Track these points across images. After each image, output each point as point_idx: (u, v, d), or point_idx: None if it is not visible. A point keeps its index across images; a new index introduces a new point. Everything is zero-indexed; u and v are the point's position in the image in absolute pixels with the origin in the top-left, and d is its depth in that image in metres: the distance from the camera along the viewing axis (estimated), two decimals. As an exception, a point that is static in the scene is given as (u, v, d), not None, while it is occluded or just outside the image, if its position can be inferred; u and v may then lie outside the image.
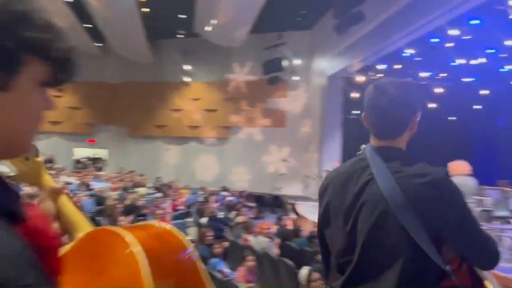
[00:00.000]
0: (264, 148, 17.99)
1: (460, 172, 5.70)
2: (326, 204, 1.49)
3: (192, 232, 9.42)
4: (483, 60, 13.41)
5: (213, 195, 13.29)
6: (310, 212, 11.73)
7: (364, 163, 1.43)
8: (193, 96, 18.67)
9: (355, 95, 16.31)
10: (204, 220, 8.51)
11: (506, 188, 9.78)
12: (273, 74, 15.93)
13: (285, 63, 15.47)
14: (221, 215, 9.30)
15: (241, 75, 18.24)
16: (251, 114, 18.10)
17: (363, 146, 1.60)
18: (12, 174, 1.17)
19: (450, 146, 15.16)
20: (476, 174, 5.58)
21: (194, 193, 14.65)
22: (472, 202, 5.90)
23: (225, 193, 14.24)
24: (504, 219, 7.58)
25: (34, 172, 1.21)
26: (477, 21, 11.17)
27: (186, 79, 18.44)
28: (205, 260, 5.24)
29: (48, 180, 1.23)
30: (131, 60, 17.84)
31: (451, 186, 1.33)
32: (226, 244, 6.04)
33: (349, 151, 16.92)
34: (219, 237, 6.89)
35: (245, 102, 18.13)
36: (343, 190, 1.42)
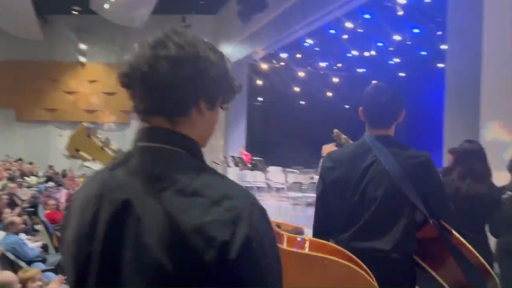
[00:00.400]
0: (169, 134, 17.57)
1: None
2: (334, 178, 1.88)
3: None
4: (374, 52, 14.52)
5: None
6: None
7: (366, 147, 1.85)
8: (90, 78, 17.45)
9: (259, 82, 16.64)
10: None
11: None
12: (177, 58, 15.52)
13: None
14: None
15: (142, 57, 17.47)
16: (153, 98, 17.49)
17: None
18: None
19: (345, 131, 16.25)
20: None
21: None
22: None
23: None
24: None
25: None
26: (368, 16, 12.01)
27: (82, 59, 17.14)
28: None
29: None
30: (19, 38, 16.03)
31: (433, 165, 1.88)
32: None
33: (253, 137, 17.31)
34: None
35: (147, 86, 17.44)
36: (353, 168, 1.83)
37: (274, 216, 6.65)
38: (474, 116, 5.91)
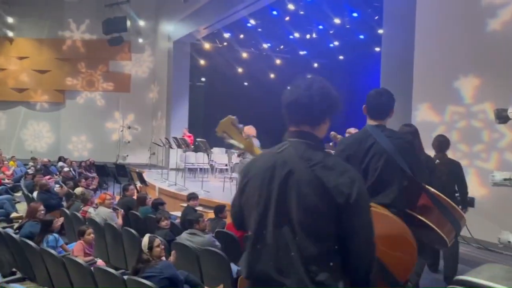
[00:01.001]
0: (107, 115, 16.89)
1: (250, 133, 7.70)
2: (346, 156, 2.54)
3: (22, 208, 8.42)
4: (315, 35, 14.76)
5: (47, 166, 12.04)
6: (157, 180, 11.60)
7: (367, 134, 2.56)
8: (19, 54, 16.25)
9: (202, 62, 16.38)
10: (35, 194, 7.65)
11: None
12: (115, 34, 14.83)
13: (128, 23, 14.54)
14: (56, 188, 8.48)
15: (78, 33, 16.52)
16: (90, 77, 16.67)
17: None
18: (241, 147, 2.28)
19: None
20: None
21: (24, 165, 13.09)
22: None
23: (61, 163, 13.01)
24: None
25: (250, 145, 2.30)
26: (310, -2, 12.14)
27: (9, 34, 15.88)
28: (39, 237, 4.73)
29: (256, 151, 2.26)
30: None
31: (413, 143, 2.74)
32: (61, 218, 5.53)
33: (196, 118, 17.10)
34: (53, 211, 6.29)
35: (83, 64, 16.57)
36: (358, 148, 2.55)
37: (218, 197, 6.71)
38: (407, 98, 6.26)
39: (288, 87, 1.74)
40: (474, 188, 5.26)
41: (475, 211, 5.19)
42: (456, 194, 4.17)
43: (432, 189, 2.51)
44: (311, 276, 1.50)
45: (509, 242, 3.89)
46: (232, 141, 2.29)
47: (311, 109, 1.61)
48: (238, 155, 8.32)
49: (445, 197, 2.53)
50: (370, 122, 2.61)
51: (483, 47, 5.33)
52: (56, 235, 4.88)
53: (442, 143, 4.26)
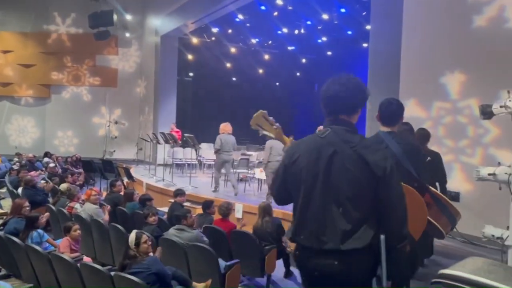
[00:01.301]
0: (94, 109, 16.70)
1: (226, 130, 8.45)
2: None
3: (7, 204, 8.29)
4: (303, 30, 14.78)
5: (32, 162, 11.88)
6: (145, 175, 11.52)
7: (380, 139, 2.77)
8: (3, 48, 15.94)
9: (190, 57, 16.28)
10: (20, 190, 7.55)
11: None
12: (102, 28, 14.64)
13: (115, 17, 14.35)
14: (42, 183, 8.37)
15: (63, 27, 16.27)
16: (77, 71, 16.45)
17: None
18: (272, 136, 2.62)
19: (276, 107, 16.56)
20: (296, 132, 6.20)
21: (8, 161, 12.90)
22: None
23: (47, 159, 12.84)
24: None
25: (280, 133, 2.61)
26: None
27: (-7, 27, 15.59)
28: (24, 233, 4.67)
29: (285, 138, 2.60)
30: None
31: (418, 146, 3.10)
32: (47, 214, 5.47)
33: (184, 114, 17.01)
34: (39, 207, 6.22)
35: (69, 58, 16.33)
36: None
37: (206, 193, 6.67)
38: (394, 94, 6.30)
39: (326, 84, 2.08)
40: (459, 183, 5.33)
41: (460, 206, 5.24)
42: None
43: (433, 189, 2.81)
44: (348, 241, 1.84)
45: (493, 236, 3.95)
46: (265, 132, 2.64)
47: (348, 101, 2.01)
48: (215, 152, 8.50)
49: (444, 196, 2.83)
50: (382, 128, 2.90)
51: (469, 43, 5.39)
52: (40, 231, 4.83)
53: (423, 136, 4.40)
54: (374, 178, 1.85)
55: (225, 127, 8.50)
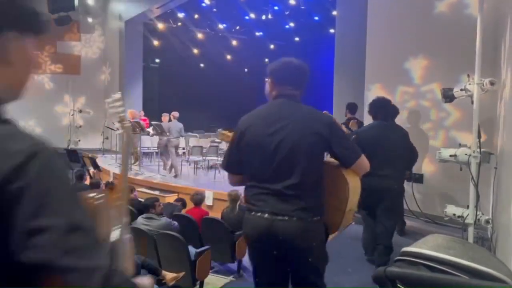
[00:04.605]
0: (56, 98, 16.13)
1: (135, 116, 9.53)
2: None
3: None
4: (270, 16, 14.72)
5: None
6: (112, 165, 11.28)
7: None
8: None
9: (156, 43, 15.93)
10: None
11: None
12: (62, 14, 14.07)
13: (76, 2, 13.81)
14: None
15: (21, 11, 15.53)
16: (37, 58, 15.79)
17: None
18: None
19: (244, 94, 16.51)
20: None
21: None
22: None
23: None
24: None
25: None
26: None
27: None
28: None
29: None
30: None
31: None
32: None
33: (150, 101, 16.70)
34: None
35: (28, 44, 15.64)
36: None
37: (174, 181, 6.60)
38: (360, 79, 6.40)
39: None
40: (423, 165, 5.50)
41: (424, 187, 5.45)
42: None
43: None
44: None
45: (454, 215, 4.13)
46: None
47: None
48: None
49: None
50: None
51: (431, 29, 5.51)
52: None
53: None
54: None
55: (134, 114, 10.33)
